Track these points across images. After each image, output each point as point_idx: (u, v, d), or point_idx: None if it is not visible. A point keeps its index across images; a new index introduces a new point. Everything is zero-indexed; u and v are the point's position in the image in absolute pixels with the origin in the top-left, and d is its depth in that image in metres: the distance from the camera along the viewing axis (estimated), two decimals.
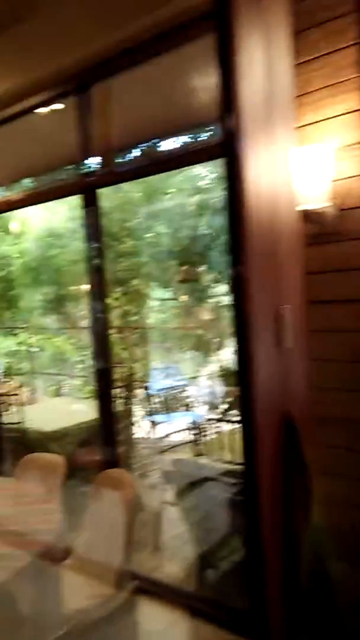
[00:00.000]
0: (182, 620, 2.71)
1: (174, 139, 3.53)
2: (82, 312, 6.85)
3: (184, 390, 5.67)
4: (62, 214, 6.55)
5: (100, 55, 2.77)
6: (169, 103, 2.96)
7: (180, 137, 3.58)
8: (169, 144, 3.67)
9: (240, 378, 1.76)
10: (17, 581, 1.93)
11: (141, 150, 3.76)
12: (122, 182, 4.10)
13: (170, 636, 2.60)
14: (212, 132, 3.11)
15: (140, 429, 5.07)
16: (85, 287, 6.76)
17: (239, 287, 1.73)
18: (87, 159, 3.11)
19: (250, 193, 1.73)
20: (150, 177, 5.52)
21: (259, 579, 1.77)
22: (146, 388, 5.55)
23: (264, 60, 1.85)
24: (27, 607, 2.02)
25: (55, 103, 3.25)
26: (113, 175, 3.24)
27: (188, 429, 4.14)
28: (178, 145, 3.60)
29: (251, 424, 1.74)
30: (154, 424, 5.14)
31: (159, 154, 3.39)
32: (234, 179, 1.72)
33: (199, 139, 3.34)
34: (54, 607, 2.15)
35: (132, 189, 6.13)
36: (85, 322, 6.87)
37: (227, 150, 1.71)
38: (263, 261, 1.81)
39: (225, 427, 3.52)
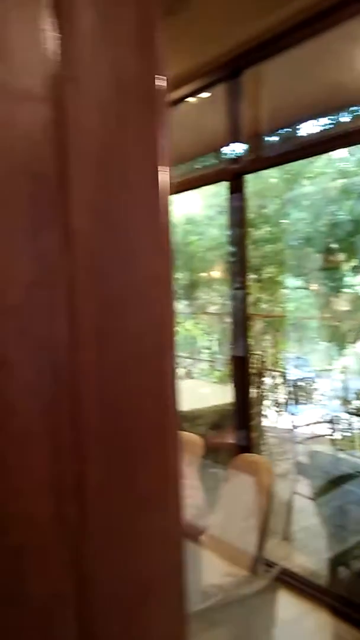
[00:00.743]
0: (312, 613, 2.67)
1: (320, 120, 3.36)
2: (211, 298, 6.95)
3: (314, 382, 5.51)
4: (199, 202, 6.66)
5: (253, 41, 2.74)
6: (325, 83, 2.85)
7: (322, 119, 3.40)
8: (309, 127, 3.51)
9: None
10: None
11: (279, 135, 3.65)
12: (273, 166, 4.03)
13: (303, 628, 2.58)
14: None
15: (268, 417, 5.06)
16: (215, 273, 6.85)
17: None
18: (234, 144, 3.12)
19: None
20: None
21: None
22: (275, 377, 5.49)
23: None
24: None
25: (204, 91, 3.29)
26: (263, 161, 3.21)
27: (321, 421, 4.03)
28: (318, 130, 3.43)
29: None
30: (282, 413, 5.10)
31: (312, 136, 3.26)
32: None
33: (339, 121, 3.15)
34: (193, 580, 2.24)
35: (271, 175, 6.02)
36: (213, 308, 6.97)
37: None
38: None
39: None
